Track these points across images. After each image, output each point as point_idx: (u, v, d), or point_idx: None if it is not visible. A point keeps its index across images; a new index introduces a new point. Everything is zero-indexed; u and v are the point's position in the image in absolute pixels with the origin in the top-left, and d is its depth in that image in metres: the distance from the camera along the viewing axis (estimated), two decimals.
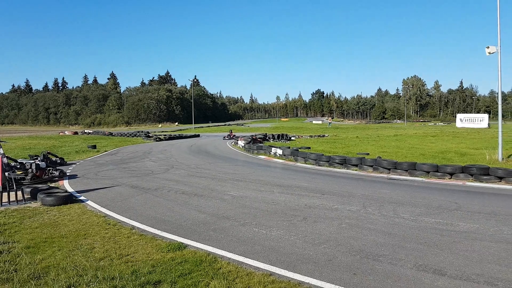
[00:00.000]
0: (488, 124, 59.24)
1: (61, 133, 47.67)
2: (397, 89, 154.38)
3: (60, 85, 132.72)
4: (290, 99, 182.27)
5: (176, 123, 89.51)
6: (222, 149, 24.14)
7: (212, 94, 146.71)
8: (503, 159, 13.95)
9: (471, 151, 17.82)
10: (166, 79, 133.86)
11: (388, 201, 7.73)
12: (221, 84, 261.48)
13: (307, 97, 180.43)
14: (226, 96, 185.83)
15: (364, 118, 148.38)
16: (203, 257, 4.54)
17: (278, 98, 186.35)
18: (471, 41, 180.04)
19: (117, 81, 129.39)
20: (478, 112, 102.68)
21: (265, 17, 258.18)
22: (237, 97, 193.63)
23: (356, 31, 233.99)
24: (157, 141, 32.78)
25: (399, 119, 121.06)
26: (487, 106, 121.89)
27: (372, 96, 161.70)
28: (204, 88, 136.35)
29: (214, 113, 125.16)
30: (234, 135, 32.86)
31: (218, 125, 78.17)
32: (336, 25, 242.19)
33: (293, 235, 5.45)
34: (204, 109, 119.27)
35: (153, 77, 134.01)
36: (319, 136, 37.06)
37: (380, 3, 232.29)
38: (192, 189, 9.34)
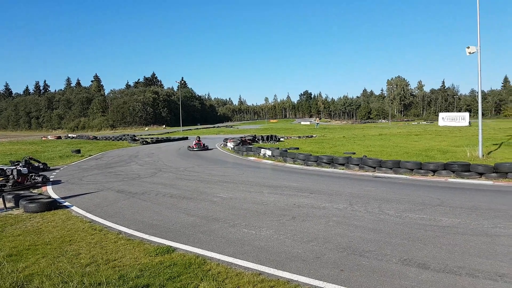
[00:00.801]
0: (469, 122, 60.65)
1: (43, 138, 46.64)
2: (382, 90, 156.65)
3: (41, 88, 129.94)
4: (279, 100, 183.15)
5: (164, 126, 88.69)
6: (211, 151, 24.05)
7: (200, 96, 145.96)
8: (483, 155, 14.33)
9: (453, 149, 18.23)
10: (152, 81, 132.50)
11: (373, 199, 7.87)
12: (210, 86, 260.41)
13: (295, 98, 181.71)
14: (215, 98, 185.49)
15: (350, 118, 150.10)
16: (192, 260, 4.54)
17: (266, 99, 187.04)
18: (453, 42, 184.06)
19: (101, 83, 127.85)
20: (459, 111, 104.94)
21: (252, 19, 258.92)
22: (226, 99, 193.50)
23: (342, 33, 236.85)
24: (143, 144, 32.41)
25: (384, 119, 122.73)
26: (468, 105, 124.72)
27: (357, 97, 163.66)
28: (192, 90, 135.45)
29: (203, 115, 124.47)
30: (203, 144, 24.54)
31: (207, 127, 77.81)
32: (323, 27, 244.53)
33: (282, 234, 5.50)
34: (192, 111, 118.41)
35: (139, 79, 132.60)
36: (307, 136, 37.31)
37: (365, 5, 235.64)
38: (181, 192, 9.30)
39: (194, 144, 24.51)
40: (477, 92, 16.56)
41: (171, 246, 5.09)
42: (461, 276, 3.84)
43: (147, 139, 35.62)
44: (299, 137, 37.02)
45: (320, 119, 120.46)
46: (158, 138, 38.21)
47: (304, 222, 6.14)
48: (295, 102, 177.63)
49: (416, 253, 4.55)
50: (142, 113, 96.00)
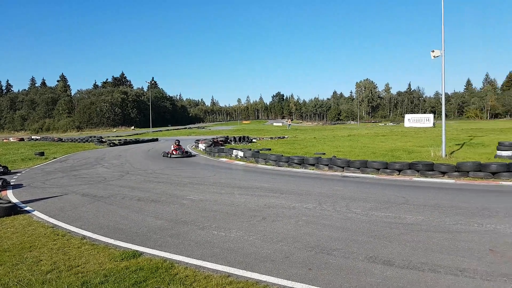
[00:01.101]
0: (433, 124, 63.42)
1: (5, 140, 44.19)
2: (351, 92, 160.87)
3: (4, 88, 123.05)
4: (251, 101, 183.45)
5: (133, 127, 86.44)
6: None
7: (172, 97, 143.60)
8: (446, 155, 15.00)
9: (418, 149, 18.98)
10: (121, 81, 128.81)
11: (341, 198, 8.05)
12: (181, 86, 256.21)
13: (267, 100, 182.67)
14: (187, 99, 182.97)
15: (321, 120, 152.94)
16: (159, 264, 4.44)
17: (239, 100, 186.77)
18: (419, 46, 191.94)
19: (68, 83, 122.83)
20: (424, 113, 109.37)
21: (224, 18, 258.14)
22: (198, 100, 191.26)
23: (313, 36, 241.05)
24: (111, 146, 31.46)
25: (352, 120, 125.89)
26: (432, 106, 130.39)
27: (328, 99, 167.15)
28: (163, 90, 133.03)
29: (174, 116, 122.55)
30: (184, 150, 20.53)
31: (178, 129, 76.62)
32: (295, 29, 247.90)
33: (252, 235, 5.49)
34: (163, 112, 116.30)
35: (107, 79, 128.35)
36: (279, 137, 37.65)
37: (334, 9, 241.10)
38: (149, 195, 9.08)
39: (174, 150, 19.94)
40: (441, 95, 17.32)
41: (137, 251, 4.95)
42: (424, 272, 3.98)
43: (114, 141, 34.63)
44: (271, 138, 37.28)
45: (292, 120, 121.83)
46: (126, 139, 37.27)
47: (274, 223, 6.17)
48: (268, 104, 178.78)
49: (381, 250, 4.68)
50: (110, 114, 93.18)
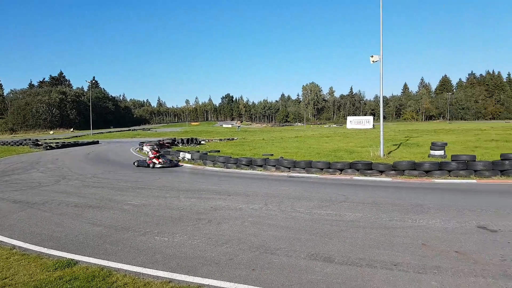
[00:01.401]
0: (373, 125, 67.59)
1: None
2: (298, 95, 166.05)
3: None
4: (200, 103, 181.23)
5: (72, 129, 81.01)
6: (125, 156, 22.67)
7: (115, 97, 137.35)
8: (384, 155, 16.00)
9: (358, 149, 20.04)
10: (59, 80, 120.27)
11: (287, 197, 8.24)
12: (125, 87, 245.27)
13: (217, 101, 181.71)
14: (131, 99, 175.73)
15: (270, 122, 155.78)
16: (96, 272, 4.20)
17: (187, 101, 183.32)
18: (360, 50, 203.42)
19: (0, 82, 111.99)
20: (365, 115, 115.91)
21: (173, 18, 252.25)
22: (143, 100, 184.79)
23: (262, 38, 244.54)
24: (47, 149, 29.16)
25: (300, 122, 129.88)
26: (372, 109, 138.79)
27: (276, 101, 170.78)
28: (105, 90, 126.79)
29: (117, 118, 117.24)
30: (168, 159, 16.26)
31: (121, 131, 73.25)
32: (245, 32, 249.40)
33: (196, 239, 5.40)
34: (105, 113, 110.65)
35: (44, 78, 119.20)
36: (228, 139, 37.58)
37: (280, 13, 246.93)
38: (87, 201, 8.54)
39: (154, 158, 15.46)
40: (380, 97, 18.47)
41: (72, 259, 4.64)
42: (361, 267, 4.19)
43: (51, 144, 32.23)
44: (221, 140, 37.12)
45: (241, 122, 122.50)
46: (64, 142, 34.87)
47: (220, 225, 6.13)
48: (217, 105, 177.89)
49: (322, 247, 4.85)
50: (47, 116, 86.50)
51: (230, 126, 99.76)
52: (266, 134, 47.11)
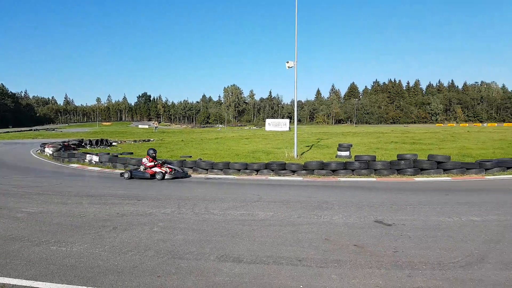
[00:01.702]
0: (289, 128, 70.94)
1: None
2: (219, 96, 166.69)
3: None
4: (114, 101, 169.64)
5: None
6: (23, 158, 20.10)
7: (15, 94, 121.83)
8: (297, 156, 16.85)
9: (275, 150, 20.82)
10: None
11: (202, 200, 8.09)
12: (28, 82, 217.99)
13: (132, 100, 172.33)
14: (34, 96, 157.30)
15: (190, 123, 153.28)
16: None
17: (98, 100, 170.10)
18: (279, 56, 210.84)
19: None
20: (282, 118, 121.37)
21: (84, 11, 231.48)
22: (48, 98, 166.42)
23: (183, 37, 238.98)
24: None
25: (221, 124, 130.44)
26: (289, 112, 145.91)
27: (197, 102, 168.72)
28: (3, 86, 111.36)
29: (17, 116, 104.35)
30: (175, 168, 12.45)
31: (21, 130, 64.87)
32: (163, 30, 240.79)
33: (98, 248, 4.94)
34: (3, 110, 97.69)
35: None
36: (144, 140, 35.88)
37: (201, 14, 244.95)
38: None
39: (155, 165, 11.93)
40: (294, 102, 19.42)
41: None
42: (268, 264, 4.24)
43: None
44: (135, 141, 35.29)
45: (159, 122, 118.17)
46: None
47: (126, 232, 5.72)
48: (133, 104, 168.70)
49: (232, 248, 4.83)
50: None
51: (146, 126, 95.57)
52: (185, 135, 46.16)
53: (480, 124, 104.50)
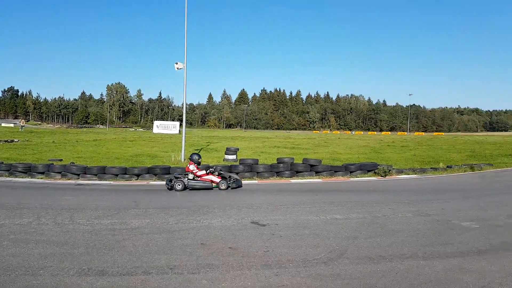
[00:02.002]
0: (179, 131, 69.54)
1: None
2: (102, 94, 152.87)
3: None
4: None
5: None
6: None
7: None
8: (185, 159, 16.62)
9: (162, 154, 20.09)
10: None
11: (67, 208, 7.25)
12: None
13: None
14: None
15: (66, 122, 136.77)
16: None
17: None
18: (170, 56, 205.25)
19: None
20: (173, 120, 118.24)
21: None
22: None
23: (52, 27, 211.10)
24: None
25: (102, 124, 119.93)
26: (180, 115, 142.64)
27: (75, 99, 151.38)
28: None
29: None
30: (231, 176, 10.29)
31: None
32: (30, 16, 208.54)
33: None
34: None
35: None
36: (6, 141, 30.45)
37: (83, 5, 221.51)
38: None
39: (207, 173, 10.04)
40: (183, 104, 19.15)
41: None
42: (136, 275, 3.98)
43: None
44: None
45: (27, 121, 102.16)
46: None
47: None
48: None
49: (97, 260, 4.43)
50: None
51: (12, 125, 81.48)
52: (58, 136, 40.87)
53: (349, 132, 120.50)
